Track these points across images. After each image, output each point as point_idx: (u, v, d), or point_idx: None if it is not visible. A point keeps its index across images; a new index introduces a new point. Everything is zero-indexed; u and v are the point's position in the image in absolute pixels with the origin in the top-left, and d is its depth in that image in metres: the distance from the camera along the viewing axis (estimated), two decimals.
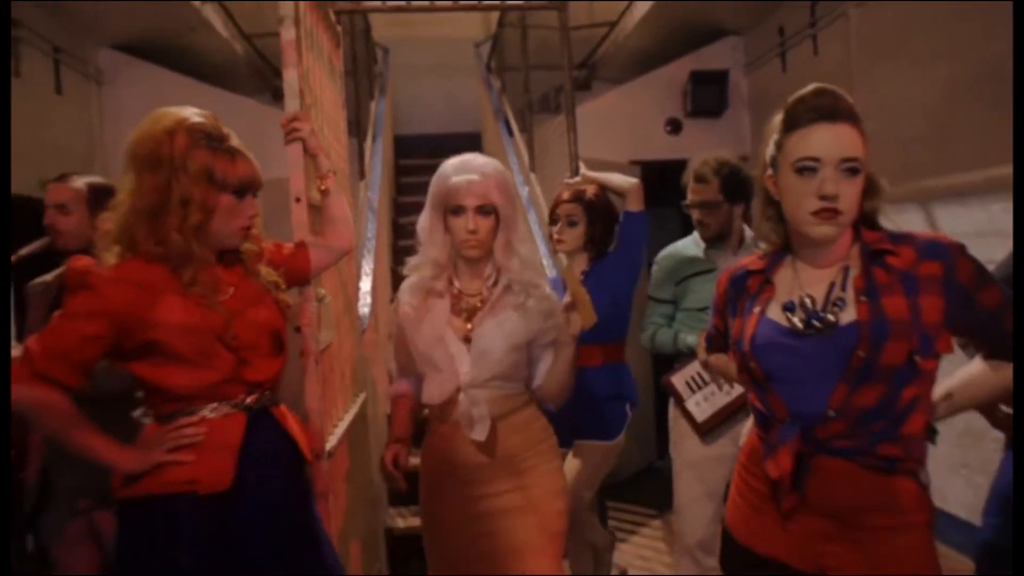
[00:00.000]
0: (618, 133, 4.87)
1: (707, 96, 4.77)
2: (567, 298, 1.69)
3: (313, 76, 2.03)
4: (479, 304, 1.75)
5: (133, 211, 1.39)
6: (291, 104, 1.78)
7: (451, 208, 1.70)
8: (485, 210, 1.69)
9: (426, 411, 1.83)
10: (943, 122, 3.09)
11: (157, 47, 4.51)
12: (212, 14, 4.31)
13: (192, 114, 1.42)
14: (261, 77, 5.40)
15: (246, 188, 1.46)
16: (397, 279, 2.46)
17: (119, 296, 1.33)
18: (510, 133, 4.94)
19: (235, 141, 1.46)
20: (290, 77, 1.77)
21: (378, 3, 4.28)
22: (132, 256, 1.38)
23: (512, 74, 5.75)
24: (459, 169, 1.71)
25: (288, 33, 1.77)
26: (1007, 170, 2.22)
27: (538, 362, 1.80)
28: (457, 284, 1.78)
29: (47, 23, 3.74)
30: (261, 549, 1.41)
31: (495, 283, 1.76)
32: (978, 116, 2.84)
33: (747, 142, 4.85)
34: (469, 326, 1.73)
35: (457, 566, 1.74)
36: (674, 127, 4.86)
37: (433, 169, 1.77)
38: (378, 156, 4.58)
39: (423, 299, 1.78)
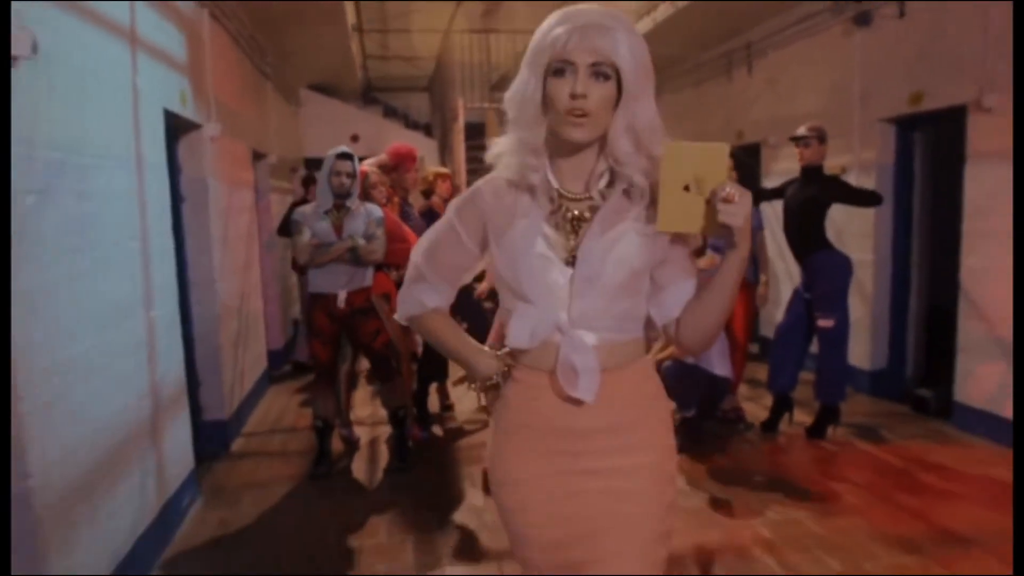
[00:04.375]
0: None
1: None
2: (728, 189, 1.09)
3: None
4: (587, 213, 1.22)
5: None
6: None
7: (553, 67, 1.14)
8: (602, 71, 1.13)
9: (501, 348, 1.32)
10: None
11: (325, 86, 8.66)
12: (357, 67, 8.45)
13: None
14: (375, 100, 9.82)
15: None
16: None
17: None
18: None
19: None
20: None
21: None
22: None
23: None
24: (570, 16, 1.14)
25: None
26: None
27: (667, 289, 1.25)
28: (555, 182, 1.23)
29: (293, 76, 7.84)
30: None
31: (609, 183, 1.23)
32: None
33: None
34: (573, 243, 1.21)
35: (542, 549, 1.29)
36: None
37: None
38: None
39: (511, 197, 1.25)
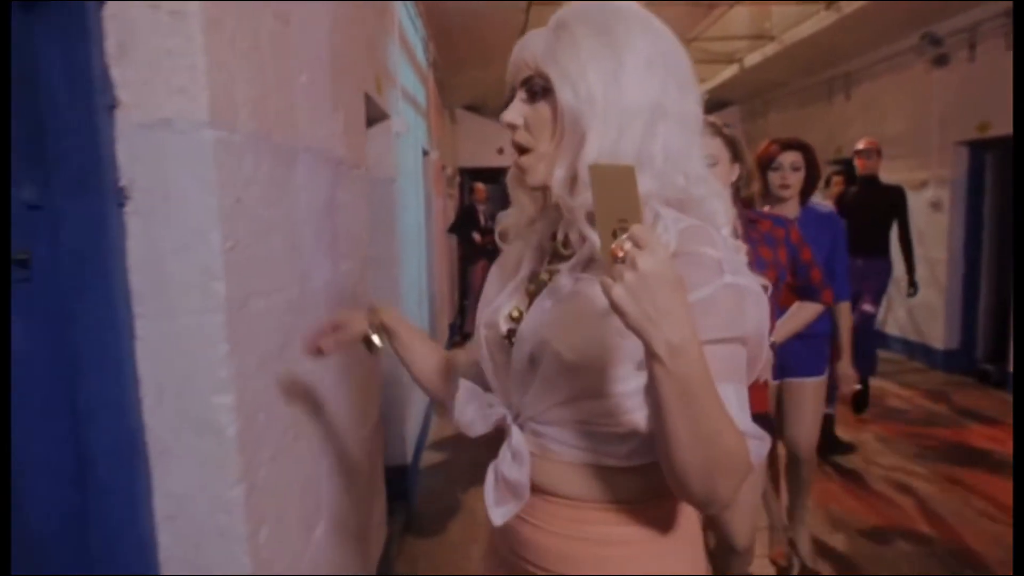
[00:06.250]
0: None
1: None
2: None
3: None
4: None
5: None
6: None
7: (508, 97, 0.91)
8: (532, 87, 0.88)
9: None
10: None
11: (475, 105, 10.25)
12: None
13: None
14: None
15: None
16: None
17: None
18: None
19: None
20: None
21: None
22: None
23: None
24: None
25: None
26: None
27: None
28: (561, 234, 0.95)
29: (455, 99, 9.44)
30: None
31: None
32: None
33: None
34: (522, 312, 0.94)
35: None
36: None
37: None
38: None
39: (514, 250, 1.02)
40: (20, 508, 1.01)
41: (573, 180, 0.86)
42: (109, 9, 1.02)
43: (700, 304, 0.78)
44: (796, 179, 2.51)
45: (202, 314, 1.15)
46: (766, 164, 2.53)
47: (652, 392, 0.75)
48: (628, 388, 0.84)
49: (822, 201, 3.20)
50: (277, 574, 1.39)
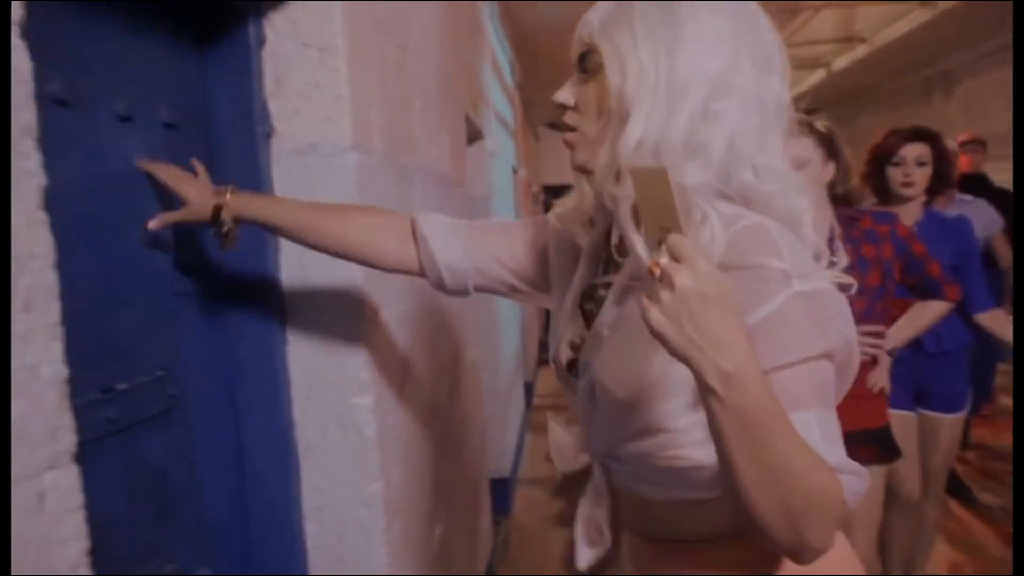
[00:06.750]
0: None
1: None
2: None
3: None
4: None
5: None
6: None
7: None
8: (584, 65, 0.79)
9: None
10: None
11: (557, 123, 10.35)
12: None
13: None
14: None
15: None
16: None
17: None
18: None
19: None
20: None
21: None
22: None
23: None
24: None
25: None
26: None
27: None
28: (615, 237, 0.81)
29: (537, 117, 9.60)
30: None
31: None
32: None
33: None
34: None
35: None
36: None
37: None
38: None
39: (570, 243, 0.92)
40: (195, 495, 1.12)
41: (619, 168, 0.74)
42: (268, 49, 1.15)
43: (770, 321, 0.67)
44: (921, 176, 2.13)
45: (345, 322, 1.25)
46: (885, 158, 2.17)
47: (711, 428, 0.64)
48: (685, 423, 0.75)
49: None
50: (409, 567, 1.48)
